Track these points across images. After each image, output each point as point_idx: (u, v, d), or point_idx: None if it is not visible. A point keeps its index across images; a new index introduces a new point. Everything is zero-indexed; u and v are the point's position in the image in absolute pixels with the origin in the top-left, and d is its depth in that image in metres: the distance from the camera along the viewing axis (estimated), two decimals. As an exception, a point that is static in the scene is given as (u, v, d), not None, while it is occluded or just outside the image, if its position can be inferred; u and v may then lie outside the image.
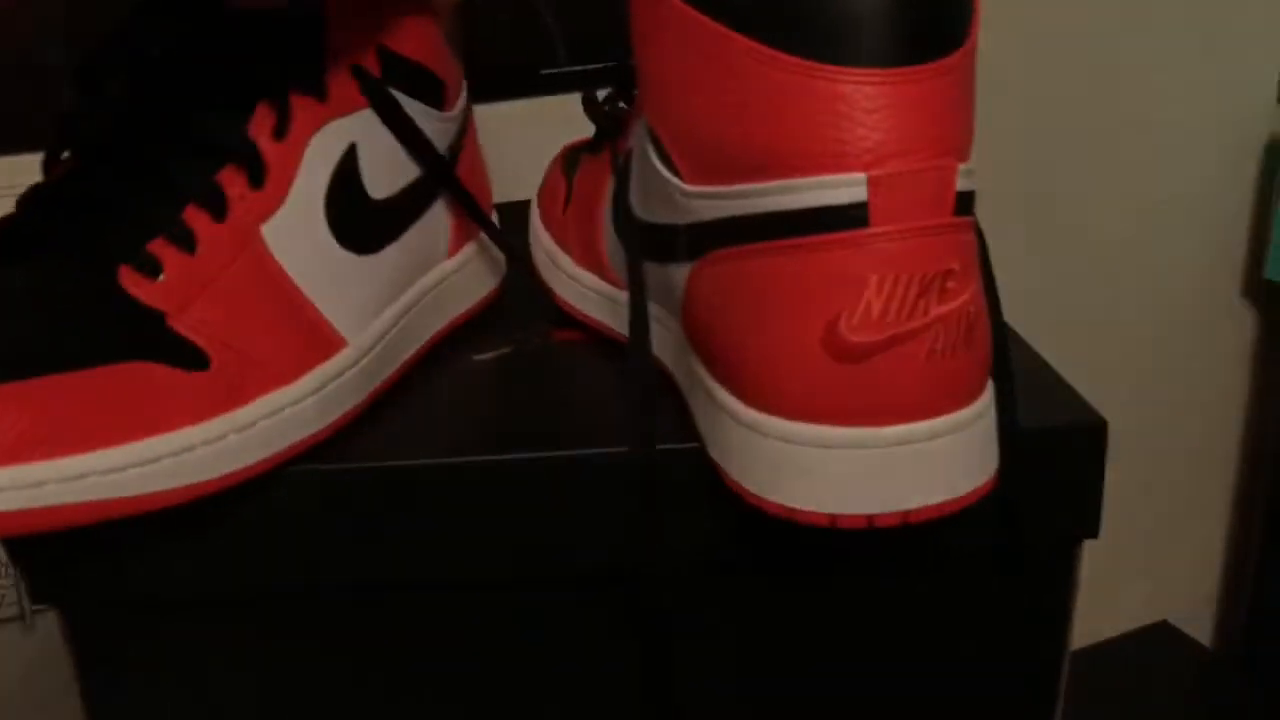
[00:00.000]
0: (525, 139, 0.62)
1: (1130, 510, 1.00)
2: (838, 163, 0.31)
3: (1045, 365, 0.43)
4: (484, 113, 0.67)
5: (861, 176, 0.30)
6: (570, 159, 0.50)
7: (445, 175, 0.43)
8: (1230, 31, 0.89)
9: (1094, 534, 0.40)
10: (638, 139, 0.39)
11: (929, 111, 0.31)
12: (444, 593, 0.40)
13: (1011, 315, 0.46)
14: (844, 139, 0.30)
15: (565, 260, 0.47)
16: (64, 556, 0.37)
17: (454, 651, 0.41)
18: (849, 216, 0.31)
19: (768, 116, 0.31)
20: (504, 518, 0.38)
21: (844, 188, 0.31)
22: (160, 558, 0.38)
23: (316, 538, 0.38)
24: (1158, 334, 0.97)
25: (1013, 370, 0.37)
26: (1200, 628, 1.08)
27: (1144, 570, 1.04)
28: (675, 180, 0.35)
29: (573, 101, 0.71)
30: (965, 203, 0.32)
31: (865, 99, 0.30)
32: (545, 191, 0.51)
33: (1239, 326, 0.99)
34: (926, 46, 0.31)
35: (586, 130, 0.69)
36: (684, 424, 0.38)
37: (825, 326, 0.31)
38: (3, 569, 0.68)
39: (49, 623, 0.71)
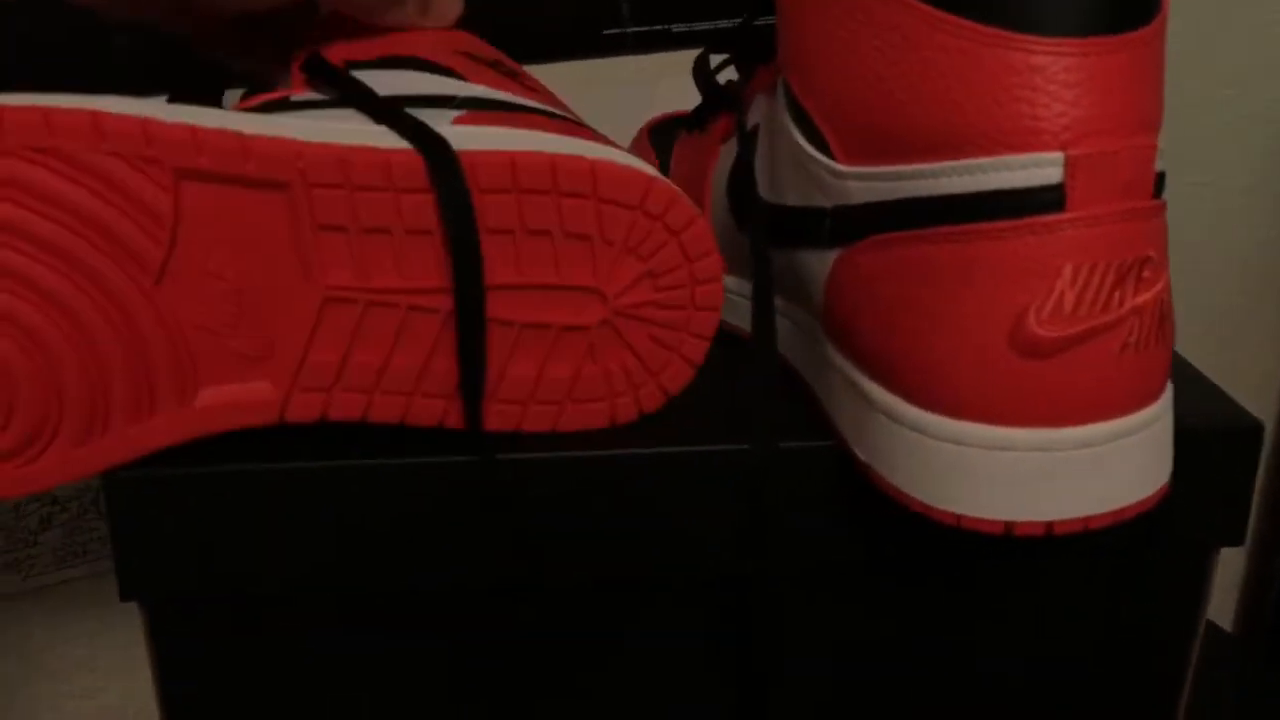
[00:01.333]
0: (583, 103, 0.59)
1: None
2: (1032, 141, 0.28)
3: (1190, 366, 0.40)
4: (540, 73, 0.64)
5: (1058, 156, 0.28)
6: (662, 133, 0.48)
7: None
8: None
9: (1239, 541, 0.38)
10: (767, 114, 0.36)
11: (1128, 85, 0.28)
12: (543, 591, 0.37)
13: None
14: (1039, 115, 0.28)
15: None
16: (153, 550, 0.35)
17: (545, 649, 0.39)
18: (1042, 200, 0.28)
19: (951, 90, 0.28)
20: (617, 515, 0.36)
21: (1038, 168, 0.28)
22: (245, 554, 0.35)
23: (413, 535, 0.35)
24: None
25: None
26: (1224, 613, 1.07)
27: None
28: (824, 159, 0.32)
29: (633, 63, 0.68)
30: (1160, 184, 0.29)
31: (1063, 71, 0.28)
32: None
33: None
34: (1123, 15, 0.28)
35: (648, 94, 0.67)
36: (808, 422, 0.36)
37: (1012, 320, 0.29)
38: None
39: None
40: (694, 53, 0.68)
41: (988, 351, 0.29)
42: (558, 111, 0.38)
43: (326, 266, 0.33)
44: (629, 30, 0.67)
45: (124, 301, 0.31)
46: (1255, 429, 0.36)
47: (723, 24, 0.69)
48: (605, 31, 0.66)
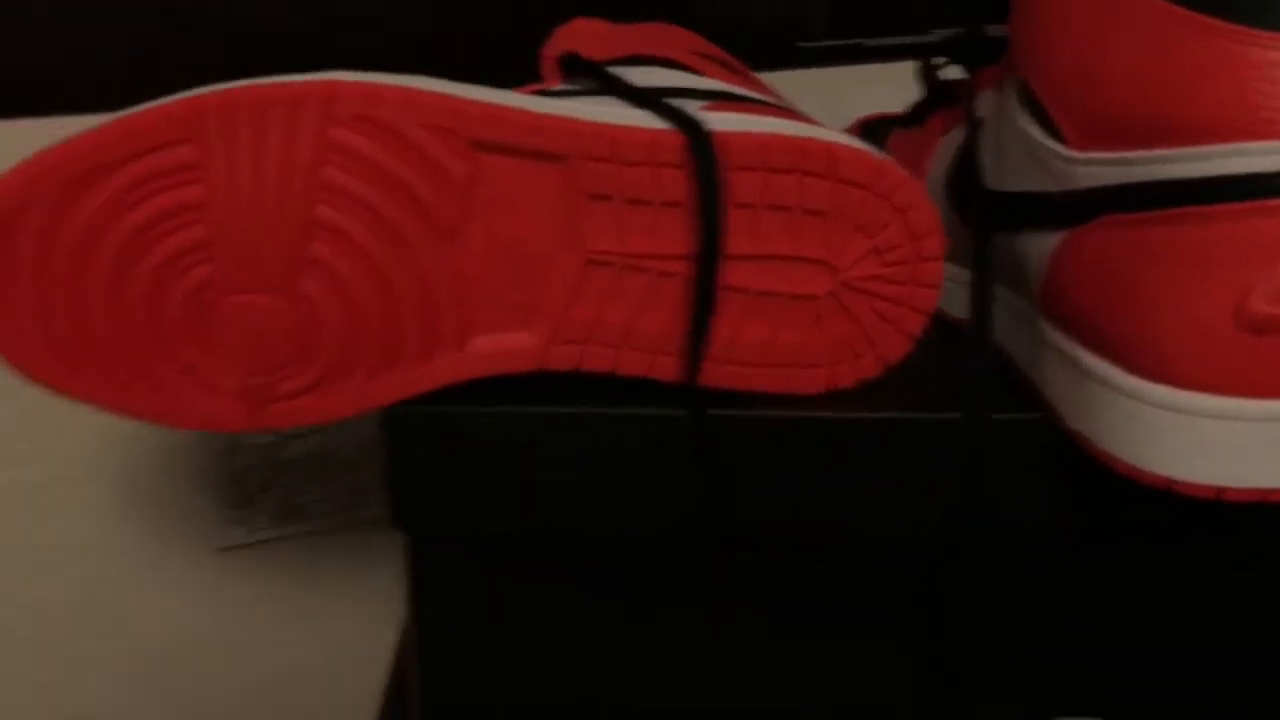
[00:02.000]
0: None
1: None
2: (1266, 130, 0.30)
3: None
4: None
5: (1289, 144, 0.30)
6: (872, 132, 0.51)
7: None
8: None
9: None
10: (994, 107, 0.39)
11: (1361, 81, 0.30)
12: (754, 544, 0.41)
13: None
14: (1274, 106, 0.30)
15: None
16: (422, 480, 0.39)
17: (751, 604, 0.42)
18: (1273, 185, 0.30)
19: (1188, 82, 0.31)
20: (831, 476, 0.39)
21: (1271, 155, 0.30)
22: (499, 491, 0.39)
23: (668, 486, 0.39)
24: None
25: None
26: None
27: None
28: (1056, 146, 0.35)
29: (829, 75, 0.71)
30: (1387, 176, 0.31)
31: (1297, 66, 0.30)
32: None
33: None
34: (1355, 14, 0.30)
35: (842, 104, 0.70)
36: (1017, 398, 0.38)
37: (1237, 297, 0.31)
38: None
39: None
40: (885, 66, 0.72)
41: (1212, 326, 0.31)
42: (786, 106, 0.42)
43: (591, 232, 0.36)
44: (824, 44, 0.70)
45: (419, 255, 0.36)
46: None
47: (915, 39, 0.72)
48: (801, 44, 0.70)
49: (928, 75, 0.45)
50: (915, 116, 0.46)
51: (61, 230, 0.35)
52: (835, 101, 0.71)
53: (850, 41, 0.70)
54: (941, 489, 0.39)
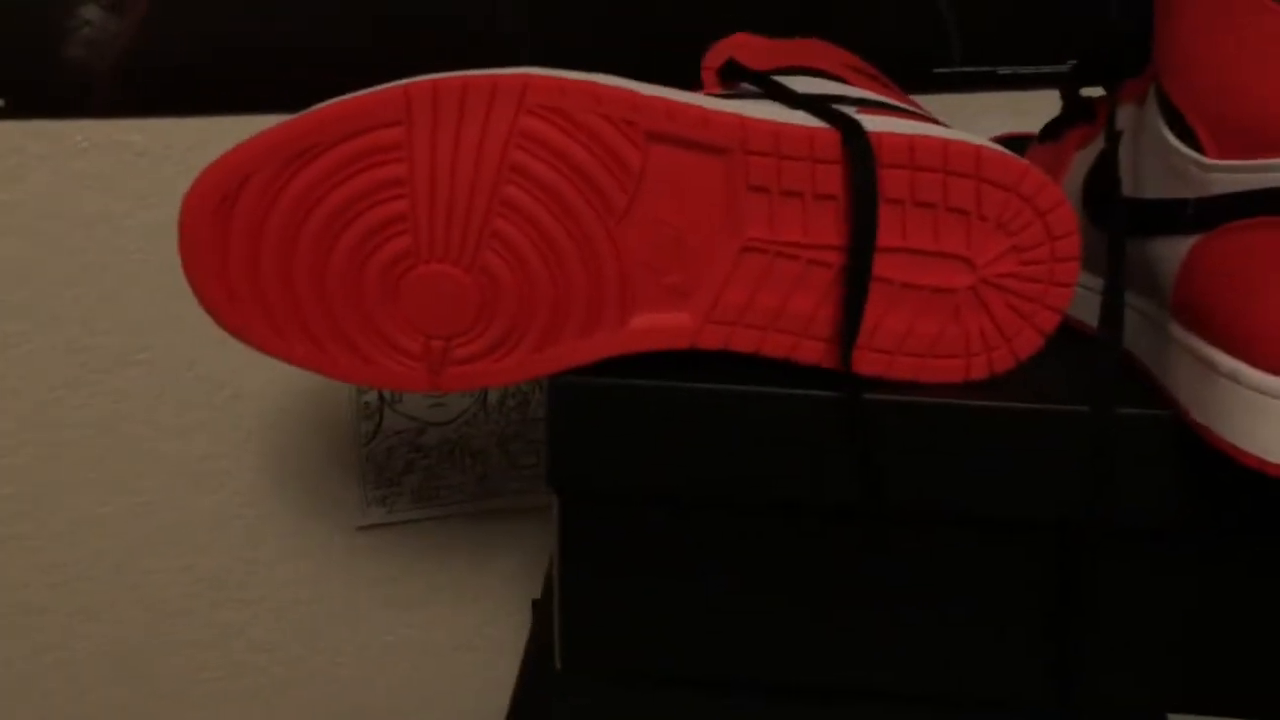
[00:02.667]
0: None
1: None
2: (1400, 139, 0.32)
3: None
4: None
5: None
6: (1011, 148, 0.53)
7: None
8: None
9: None
10: (1133, 120, 0.41)
11: None
12: (887, 520, 0.43)
13: None
14: None
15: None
16: (579, 446, 0.42)
17: (881, 575, 0.44)
18: (1406, 191, 0.32)
19: (1325, 93, 0.33)
20: (963, 460, 0.41)
21: (1404, 163, 0.32)
22: (651, 458, 0.42)
23: (786, 456, 0.42)
24: None
25: None
26: None
27: None
28: (1193, 154, 0.37)
29: (962, 100, 0.74)
30: None
31: None
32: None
33: None
34: None
35: (973, 127, 0.72)
36: (1142, 393, 0.40)
37: (1367, 295, 0.33)
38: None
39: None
40: (1011, 96, 0.74)
41: (1340, 322, 0.33)
42: (930, 115, 0.45)
43: (748, 221, 0.40)
44: (958, 69, 0.72)
45: (591, 236, 0.39)
46: None
47: (1045, 68, 0.74)
48: (936, 70, 0.72)
49: (1068, 92, 0.47)
50: (1052, 132, 0.48)
51: (278, 202, 0.39)
52: (969, 126, 0.74)
53: (983, 69, 0.72)
54: (1070, 478, 0.41)
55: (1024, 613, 0.44)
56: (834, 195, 0.39)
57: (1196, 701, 0.44)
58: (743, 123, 0.38)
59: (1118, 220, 0.40)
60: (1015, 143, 0.53)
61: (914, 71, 0.72)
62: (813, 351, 0.41)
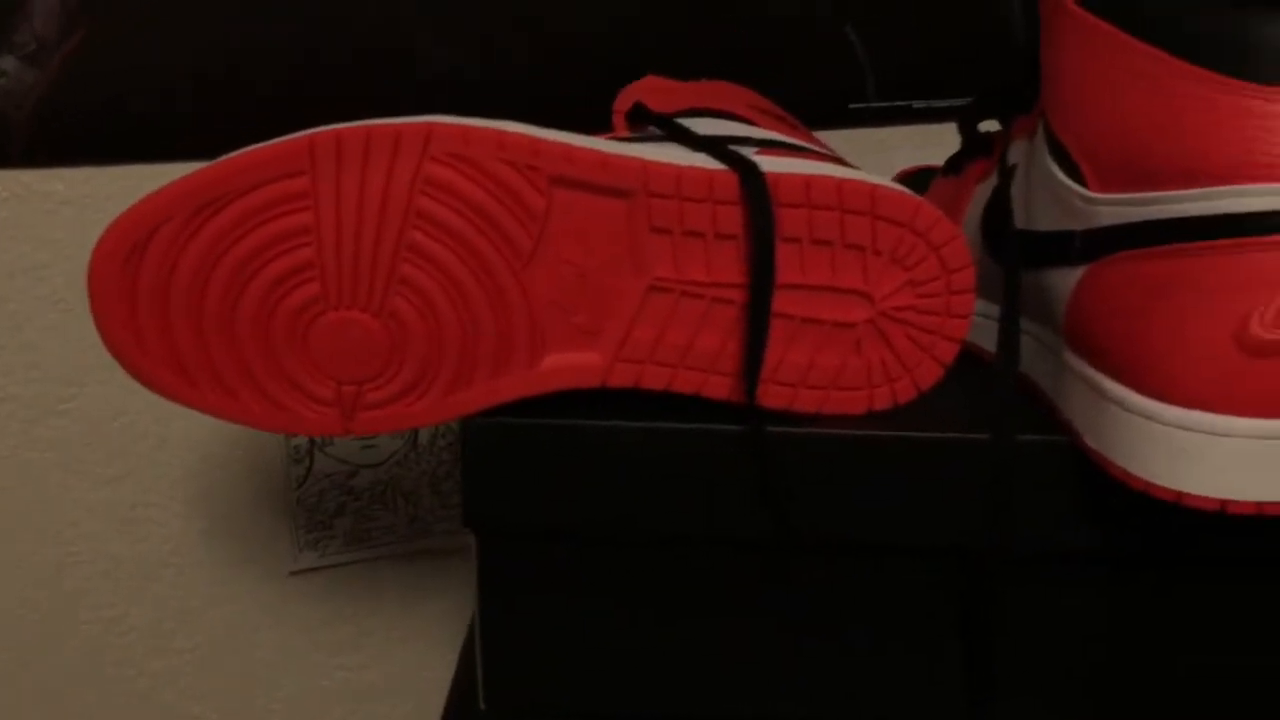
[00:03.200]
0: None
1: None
2: (1262, 174, 0.33)
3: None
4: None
5: (1283, 186, 0.33)
6: (913, 182, 0.54)
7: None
8: None
9: None
10: (1025, 154, 0.43)
11: (1350, 130, 0.33)
12: (795, 551, 0.44)
13: None
14: (1271, 152, 0.33)
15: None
16: (493, 485, 0.43)
17: (789, 604, 0.45)
18: (1268, 223, 0.33)
19: (1196, 130, 0.34)
20: (867, 490, 0.42)
21: (1265, 197, 0.33)
22: (564, 496, 0.43)
23: (695, 490, 0.42)
24: None
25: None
26: None
27: None
28: (1078, 188, 0.38)
29: (878, 134, 0.76)
30: (1377, 216, 0.34)
31: (1292, 117, 0.33)
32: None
33: None
34: (1348, 71, 0.34)
35: (884, 160, 0.74)
36: (1041, 421, 0.42)
37: (1238, 323, 0.34)
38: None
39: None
40: (931, 127, 0.76)
41: (1216, 349, 0.34)
42: (833, 154, 0.46)
43: (653, 261, 0.41)
44: (873, 105, 0.74)
45: (499, 279, 0.40)
46: None
47: (957, 102, 0.76)
48: (851, 105, 0.74)
49: (966, 128, 0.49)
50: (954, 166, 0.50)
51: (186, 252, 0.39)
52: (885, 159, 0.75)
53: (898, 103, 0.74)
54: (972, 505, 0.42)
55: (933, 640, 0.45)
56: (735, 235, 0.40)
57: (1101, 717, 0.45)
58: (643, 166, 0.39)
59: (1010, 253, 0.42)
60: (922, 174, 0.55)
61: (830, 107, 0.73)
62: (721, 387, 0.42)
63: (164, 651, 0.76)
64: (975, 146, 0.48)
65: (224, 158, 0.39)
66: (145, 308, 0.40)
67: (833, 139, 0.77)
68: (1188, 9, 0.34)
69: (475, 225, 0.39)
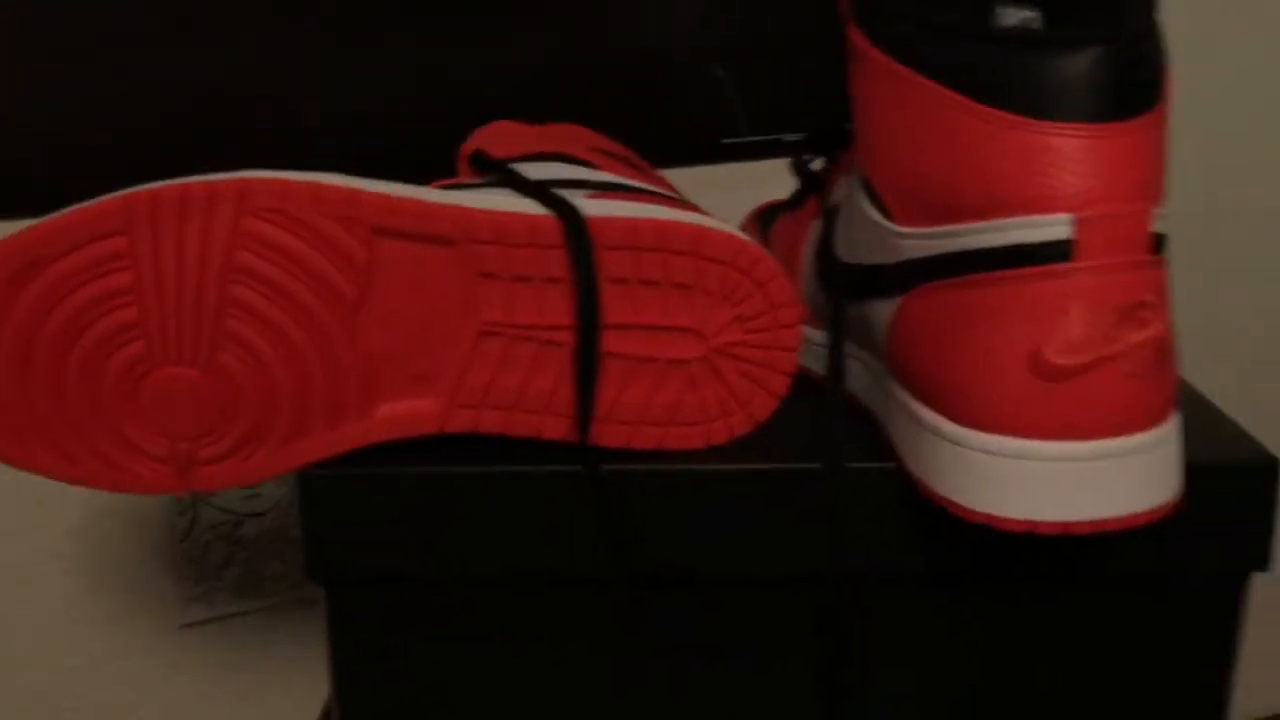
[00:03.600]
0: (705, 201, 0.68)
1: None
2: (1047, 205, 0.35)
3: (1208, 401, 0.46)
4: (668, 176, 0.73)
5: (1067, 217, 0.34)
6: (765, 216, 0.55)
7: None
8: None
9: (1264, 567, 0.42)
10: (846, 191, 0.44)
11: (1130, 161, 0.35)
12: (639, 584, 0.44)
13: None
14: (1054, 185, 0.35)
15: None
16: (335, 535, 0.43)
17: (636, 638, 0.45)
18: (1056, 252, 0.35)
19: (986, 166, 0.35)
20: (709, 521, 0.43)
21: (1052, 227, 0.35)
22: (406, 542, 0.43)
23: (539, 530, 0.43)
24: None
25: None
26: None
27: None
28: (887, 224, 0.39)
29: (750, 167, 0.77)
30: (1159, 242, 0.35)
31: (1073, 150, 0.34)
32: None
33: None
34: (1128, 103, 0.35)
35: (760, 193, 0.75)
36: (873, 447, 0.42)
37: (1031, 350, 0.35)
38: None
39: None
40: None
41: (1011, 375, 0.35)
42: (672, 194, 0.47)
43: (484, 305, 0.41)
44: (744, 139, 0.75)
45: (326, 330, 0.40)
46: (1271, 463, 0.41)
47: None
48: (724, 140, 0.75)
49: (799, 166, 0.50)
50: (794, 203, 0.51)
51: (9, 315, 0.39)
52: (764, 193, 0.77)
53: (769, 138, 0.75)
54: (813, 532, 0.42)
55: (782, 666, 0.45)
56: (561, 278, 0.41)
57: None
58: (466, 214, 0.40)
59: (834, 287, 0.43)
60: (772, 210, 0.56)
61: (704, 143, 0.74)
62: (558, 428, 0.42)
63: (56, 712, 0.75)
64: (810, 184, 0.49)
65: (41, 219, 0.39)
66: (-31, 372, 0.39)
67: (713, 173, 0.78)
68: (976, 52, 0.35)
69: (298, 278, 0.40)
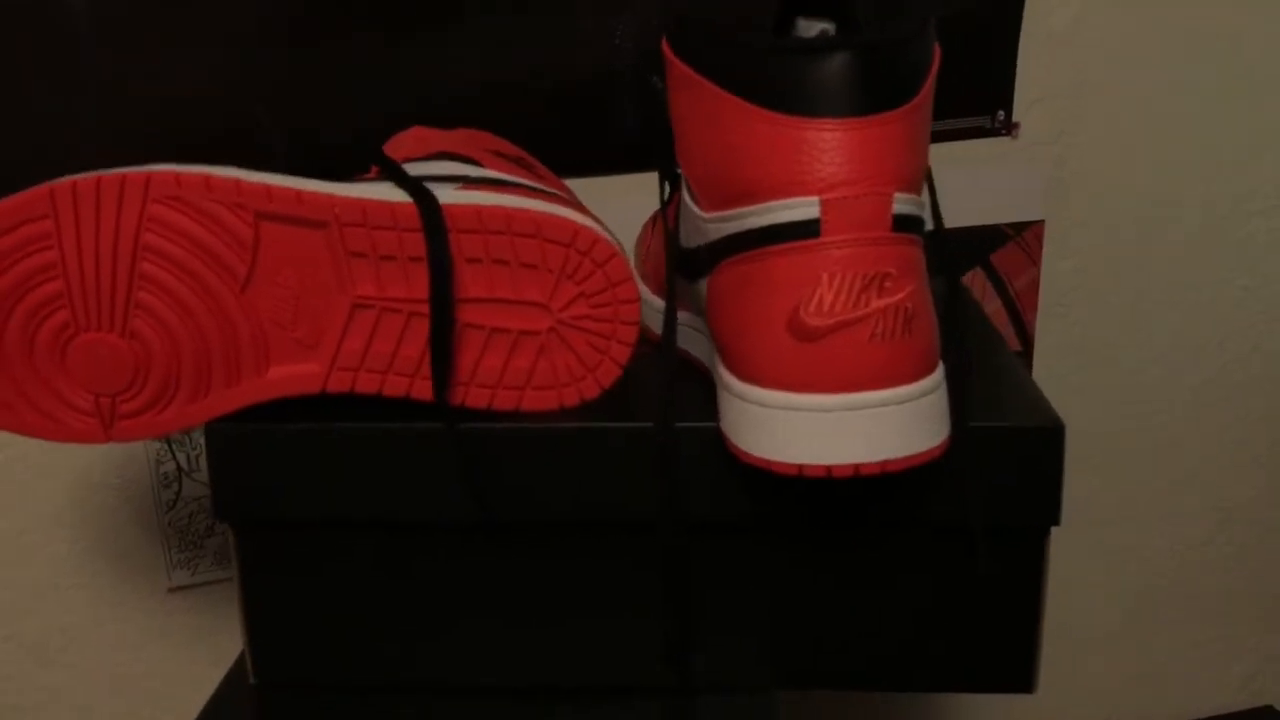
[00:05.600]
0: (646, 205, 0.75)
1: (1240, 587, 1.02)
2: (800, 189, 0.40)
3: (1022, 371, 0.51)
4: (616, 181, 0.79)
5: (815, 199, 0.40)
6: (656, 215, 0.61)
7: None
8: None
9: (1055, 522, 0.47)
10: (681, 186, 0.50)
11: (873, 151, 0.40)
12: (503, 530, 0.50)
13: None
14: (805, 171, 0.40)
15: (645, 290, 0.58)
16: (239, 482, 0.50)
17: (501, 578, 0.51)
18: (805, 230, 0.40)
19: (753, 156, 0.41)
20: (561, 475, 0.49)
21: (802, 208, 0.40)
22: (297, 488, 0.50)
23: (409, 483, 0.49)
24: None
25: (970, 366, 0.45)
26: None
27: (1254, 649, 1.05)
28: (698, 211, 0.45)
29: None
30: (905, 222, 0.41)
31: (822, 141, 0.40)
32: (639, 241, 0.62)
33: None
34: (879, 101, 0.41)
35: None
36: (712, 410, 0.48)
37: (790, 313, 0.41)
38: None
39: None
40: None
41: (775, 336, 0.41)
42: (548, 189, 0.53)
43: (356, 281, 0.47)
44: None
45: (222, 301, 0.47)
46: (1058, 429, 0.46)
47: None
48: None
49: (659, 165, 0.56)
50: (666, 200, 0.57)
51: (-44, 288, 0.47)
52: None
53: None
54: (649, 483, 0.48)
55: (630, 601, 0.51)
56: (422, 257, 0.47)
57: (800, 678, 0.51)
58: (332, 200, 0.46)
59: (670, 268, 0.48)
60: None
61: (647, 151, 0.80)
62: (425, 390, 0.49)
63: (54, 667, 0.83)
64: (673, 182, 0.55)
65: (-21, 206, 0.46)
66: (-74, 338, 0.47)
67: (655, 180, 0.84)
68: (748, 58, 0.41)
69: (196, 255, 0.47)
